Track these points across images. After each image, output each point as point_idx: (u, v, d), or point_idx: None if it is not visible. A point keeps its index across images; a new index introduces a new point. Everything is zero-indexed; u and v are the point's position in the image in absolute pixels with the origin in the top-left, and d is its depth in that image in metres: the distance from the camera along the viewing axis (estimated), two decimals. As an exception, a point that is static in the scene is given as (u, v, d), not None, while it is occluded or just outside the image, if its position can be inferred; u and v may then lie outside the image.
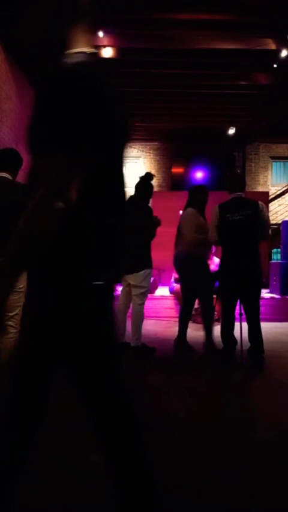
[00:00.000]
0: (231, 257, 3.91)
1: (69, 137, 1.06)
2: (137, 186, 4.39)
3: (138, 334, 4.25)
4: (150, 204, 4.45)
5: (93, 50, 1.20)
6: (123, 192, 1.27)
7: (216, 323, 4.63)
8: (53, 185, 1.04)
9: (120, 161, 1.27)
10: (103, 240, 1.14)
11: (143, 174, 4.46)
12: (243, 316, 4.06)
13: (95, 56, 1.21)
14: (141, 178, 4.42)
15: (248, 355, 3.93)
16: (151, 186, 4.43)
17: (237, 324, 4.01)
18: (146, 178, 4.40)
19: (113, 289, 1.24)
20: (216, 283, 6.46)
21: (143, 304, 4.30)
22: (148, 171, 4.61)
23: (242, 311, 4.00)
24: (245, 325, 4.07)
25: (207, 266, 4.54)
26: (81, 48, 1.17)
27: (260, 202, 3.97)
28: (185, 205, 4.57)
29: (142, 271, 4.23)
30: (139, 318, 4.26)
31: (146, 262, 4.26)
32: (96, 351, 1.16)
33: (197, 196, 4.47)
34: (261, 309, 4.08)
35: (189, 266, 4.38)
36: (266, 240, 4.01)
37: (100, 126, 1.12)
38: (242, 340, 4.01)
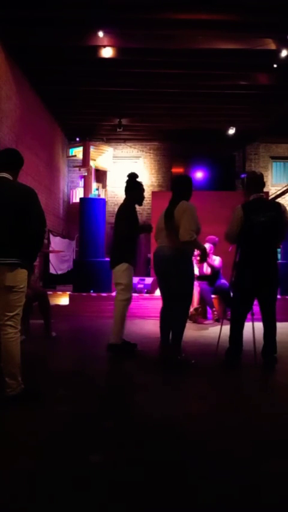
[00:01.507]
0: (253, 257, 3.89)
1: None
2: (125, 190, 4.41)
3: (118, 332, 4.15)
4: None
5: None
6: None
7: (216, 323, 4.62)
8: None
9: None
10: None
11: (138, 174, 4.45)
12: (255, 317, 4.05)
13: None
14: (126, 181, 4.43)
15: (261, 355, 3.92)
16: (137, 184, 4.41)
17: (247, 324, 3.99)
18: (130, 179, 4.41)
19: None
20: (218, 282, 6.50)
21: (124, 300, 4.18)
22: (132, 171, 4.53)
23: (254, 311, 3.99)
24: (257, 324, 4.05)
25: (192, 266, 4.11)
26: None
27: (281, 204, 4.05)
28: (172, 198, 4.02)
29: (117, 267, 4.20)
30: (118, 315, 4.17)
31: (119, 257, 4.23)
32: None
33: (188, 188, 4.04)
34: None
35: (175, 264, 3.84)
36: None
37: None
38: (254, 340, 4.01)
